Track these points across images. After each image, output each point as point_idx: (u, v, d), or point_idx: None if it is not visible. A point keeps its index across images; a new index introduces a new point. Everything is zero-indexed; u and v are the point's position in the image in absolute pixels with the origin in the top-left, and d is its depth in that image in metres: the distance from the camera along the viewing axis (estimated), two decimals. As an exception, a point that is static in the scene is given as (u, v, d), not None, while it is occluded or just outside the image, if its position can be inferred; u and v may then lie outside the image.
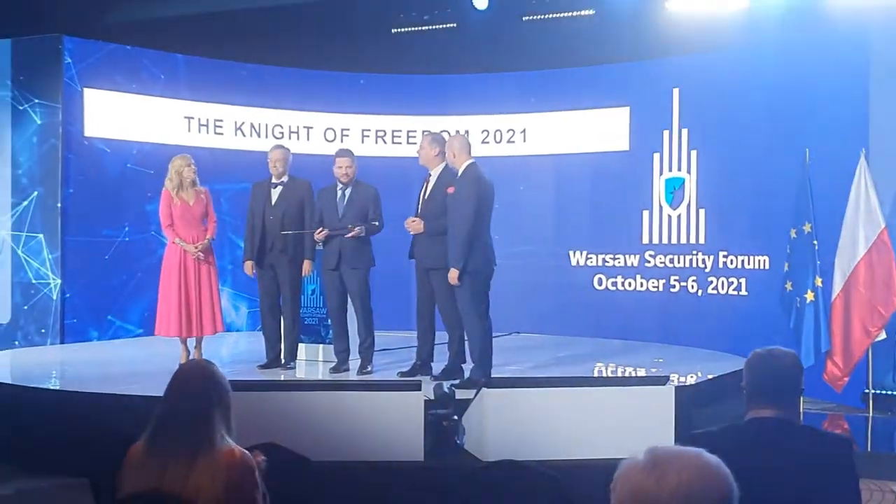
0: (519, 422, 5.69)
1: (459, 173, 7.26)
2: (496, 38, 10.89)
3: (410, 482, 5.53)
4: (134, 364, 8.59)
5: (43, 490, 6.32)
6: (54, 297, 10.18)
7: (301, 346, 8.36)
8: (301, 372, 8.09)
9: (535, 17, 10.56)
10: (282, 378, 7.59)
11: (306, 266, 8.06)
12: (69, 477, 6.35)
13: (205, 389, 3.16)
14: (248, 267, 8.19)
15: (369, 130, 11.70)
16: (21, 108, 10.32)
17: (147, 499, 2.96)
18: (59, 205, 10.19)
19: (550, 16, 10.49)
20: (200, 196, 8.04)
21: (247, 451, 3.19)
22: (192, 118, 11.08)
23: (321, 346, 8.54)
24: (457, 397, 6.20)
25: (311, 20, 10.95)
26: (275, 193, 8.11)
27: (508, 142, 11.47)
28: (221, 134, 11.23)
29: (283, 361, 8.08)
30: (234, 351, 9.73)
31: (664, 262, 10.53)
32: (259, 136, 11.34)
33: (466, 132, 10.68)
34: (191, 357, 8.06)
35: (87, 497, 5.84)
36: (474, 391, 6.03)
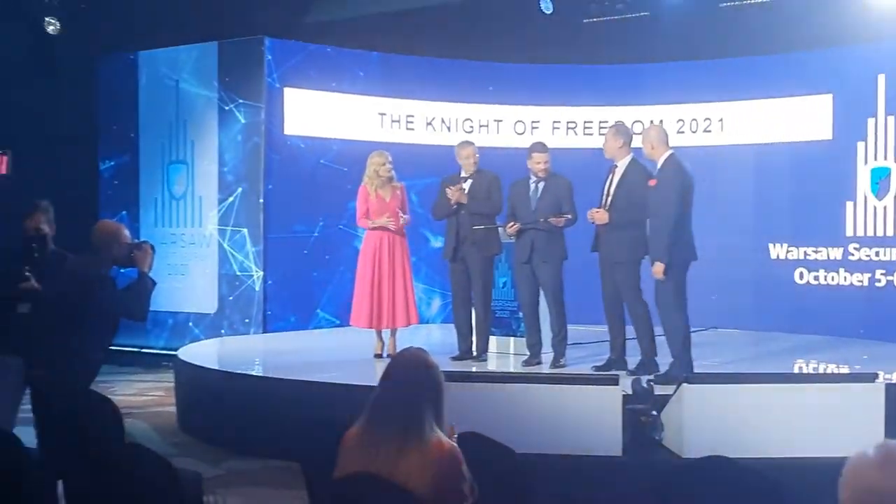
0: (720, 418, 5.53)
1: (660, 165, 7.11)
2: (691, 25, 10.63)
3: (609, 476, 5.47)
4: (332, 353, 8.86)
5: (253, 471, 6.60)
6: (257, 289, 10.62)
7: (492, 339, 8.40)
8: (493, 364, 8.13)
9: (732, 3, 10.24)
10: (473, 370, 7.64)
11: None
12: (275, 459, 6.61)
13: (420, 379, 3.20)
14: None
15: (559, 122, 11.64)
16: (227, 108, 10.81)
17: (360, 481, 3.04)
18: (260, 200, 10.62)
19: (749, 1, 10.15)
20: (396, 192, 8.19)
21: (455, 444, 3.22)
22: (385, 114, 11.31)
23: (512, 338, 8.56)
24: (655, 393, 6.09)
25: (502, 13, 10.98)
26: (465, 188, 8.16)
27: (705, 131, 11.18)
28: (413, 129, 11.42)
29: (474, 354, 8.13)
30: (427, 343, 9.87)
31: (869, 256, 10.02)
32: (449, 130, 11.47)
33: (661, 122, 10.46)
34: (385, 348, 8.24)
35: (293, 478, 6.03)
36: (674, 386, 5.90)
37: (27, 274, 5.84)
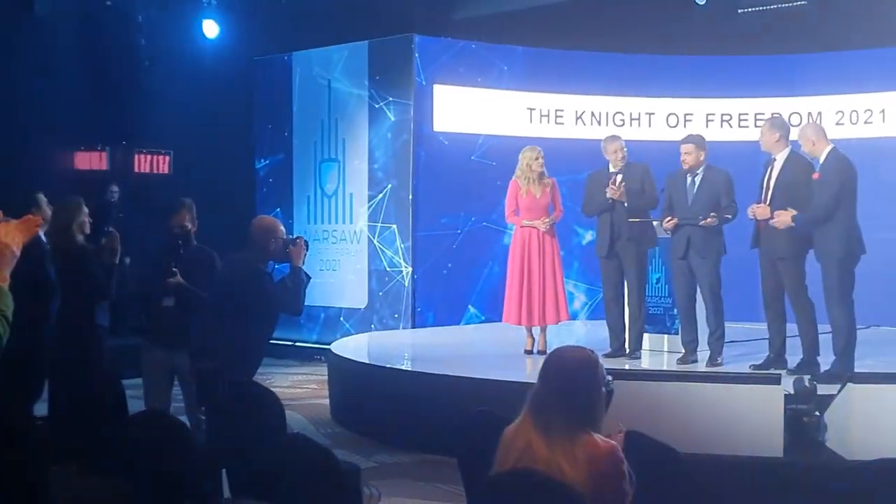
0: (891, 419, 5.28)
1: (822, 159, 6.86)
2: (849, 14, 10.20)
3: (769, 478, 5.29)
4: (481, 348, 8.89)
5: (405, 464, 6.67)
6: (406, 284, 10.73)
7: (645, 336, 8.25)
8: (646, 362, 7.98)
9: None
10: (626, 367, 7.52)
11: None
12: (427, 453, 6.66)
13: (582, 376, 3.15)
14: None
15: (714, 114, 11.34)
16: (377, 106, 10.96)
17: (521, 476, 3.01)
18: (410, 197, 10.72)
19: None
20: (546, 189, 8.12)
21: (616, 442, 3.15)
22: (534, 109, 11.25)
23: (666, 336, 8.37)
24: (818, 392, 5.86)
25: (654, 4, 10.77)
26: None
27: (866, 122, 10.71)
28: (562, 124, 11.33)
29: (627, 351, 8.01)
30: (577, 339, 9.78)
31: None
32: (599, 124, 11.32)
33: (819, 114, 10.08)
34: (535, 344, 8.20)
35: (446, 472, 6.07)
36: (838, 386, 5.66)
37: (173, 269, 6.03)
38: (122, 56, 11.56)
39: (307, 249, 5.84)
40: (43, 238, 5.95)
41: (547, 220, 8.07)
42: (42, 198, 6.98)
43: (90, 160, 11.75)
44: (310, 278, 5.87)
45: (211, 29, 11.83)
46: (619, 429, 3.25)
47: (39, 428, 4.49)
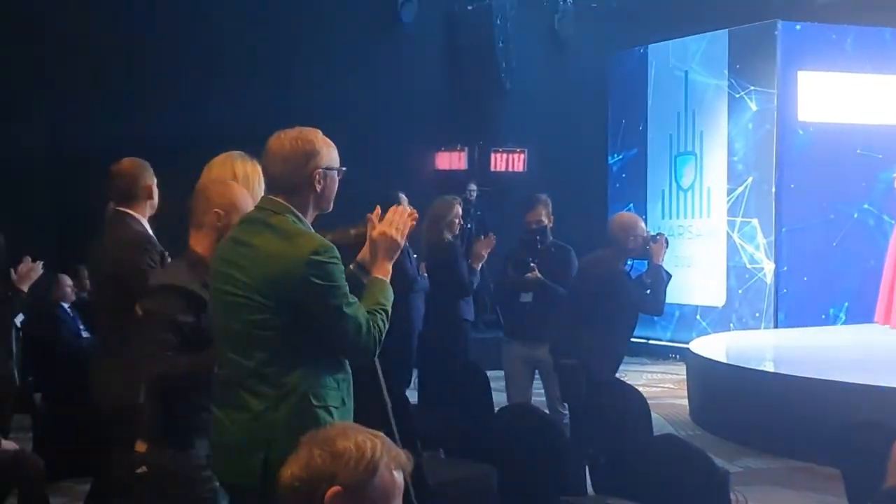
0: None
1: None
2: None
3: None
4: (854, 352, 8.30)
5: (771, 471, 6.36)
6: (768, 282, 10.25)
7: None
8: None
9: None
10: None
11: None
12: (795, 460, 6.31)
13: None
14: None
15: None
16: (737, 96, 10.56)
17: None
18: (772, 190, 10.23)
19: None
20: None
21: None
22: (911, 93, 10.37)
23: None
24: None
25: None
26: None
27: None
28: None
29: None
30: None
31: None
32: None
33: None
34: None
35: (816, 481, 5.73)
36: None
37: (531, 265, 6.06)
38: (481, 58, 11.94)
39: (667, 246, 5.70)
40: None
41: None
42: (403, 197, 7.32)
43: (450, 160, 12.24)
44: (670, 276, 5.74)
45: (568, 27, 11.95)
46: None
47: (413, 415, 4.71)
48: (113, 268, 3.90)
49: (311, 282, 2.68)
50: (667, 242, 5.70)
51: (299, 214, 2.81)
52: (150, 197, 4.07)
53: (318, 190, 2.82)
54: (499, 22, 11.89)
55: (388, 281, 2.88)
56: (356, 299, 2.77)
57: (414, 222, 3.00)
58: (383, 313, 2.80)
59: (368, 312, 2.77)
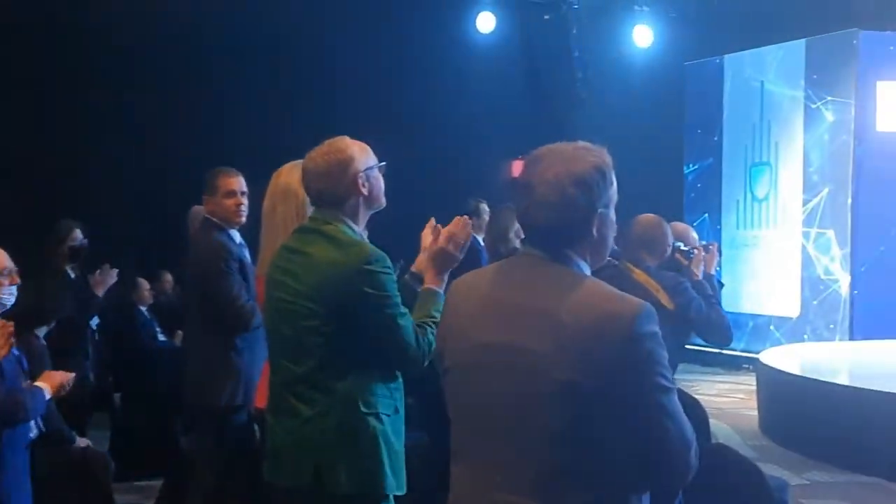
0: None
1: None
2: None
3: None
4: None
5: (838, 484, 6.32)
6: (843, 294, 10.13)
7: None
8: None
9: None
10: None
11: None
12: (863, 474, 6.26)
13: None
14: None
15: None
16: (813, 106, 10.46)
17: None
18: (849, 201, 10.11)
19: None
20: None
21: None
22: None
23: None
24: None
25: None
26: None
27: None
28: None
29: None
30: None
31: None
32: None
33: None
34: None
35: (882, 496, 5.69)
36: None
37: None
38: (558, 68, 12.02)
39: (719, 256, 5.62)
40: (481, 243, 6.33)
41: None
42: (484, 206, 7.42)
43: (526, 168, 12.29)
44: (722, 285, 5.68)
45: (644, 36, 11.96)
46: None
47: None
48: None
49: (362, 291, 2.70)
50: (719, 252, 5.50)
51: (351, 224, 2.85)
52: None
53: (366, 193, 2.86)
54: (575, 31, 11.95)
55: (441, 292, 2.88)
56: (407, 310, 2.79)
57: (467, 227, 2.96)
58: (434, 326, 2.76)
59: (419, 325, 2.79)
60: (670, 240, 4.57)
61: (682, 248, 4.72)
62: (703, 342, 5.20)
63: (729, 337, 4.57)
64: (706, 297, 4.52)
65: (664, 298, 4.13)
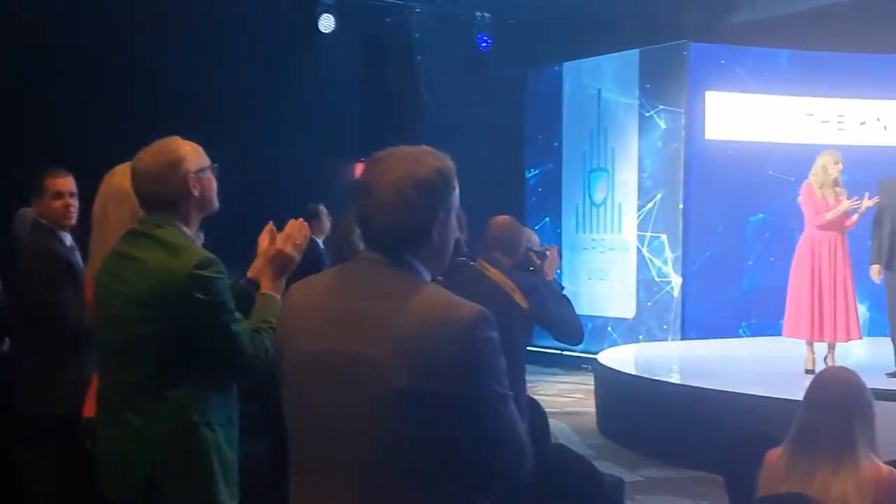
0: None
1: None
2: None
3: None
4: (756, 364, 8.56)
5: (671, 480, 6.54)
6: (675, 295, 10.52)
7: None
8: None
9: None
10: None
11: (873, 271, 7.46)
12: (694, 470, 6.49)
13: (845, 399, 2.99)
14: (875, 272, 7.68)
15: None
16: (647, 114, 10.83)
17: (791, 501, 2.89)
18: (680, 206, 10.51)
19: None
20: (840, 197, 7.61)
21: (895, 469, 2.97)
22: (813, 115, 10.73)
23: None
24: None
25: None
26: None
27: None
28: (843, 129, 10.72)
29: (918, 371, 7.45)
30: (858, 358, 9.21)
31: None
32: (886, 129, 10.63)
33: None
34: (824, 362, 7.73)
35: (713, 490, 5.90)
36: None
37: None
38: (401, 72, 12.03)
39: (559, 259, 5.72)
40: (321, 246, 6.27)
41: (858, 201, 7.54)
42: (323, 209, 7.36)
43: (369, 172, 12.26)
44: (563, 288, 5.78)
45: (485, 42, 12.12)
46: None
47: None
48: None
49: (194, 296, 2.63)
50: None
51: (183, 227, 2.77)
52: None
53: (197, 195, 2.77)
54: (417, 35, 12.00)
55: (278, 297, 2.81)
56: (242, 317, 2.73)
57: (306, 232, 2.94)
58: (271, 331, 2.67)
59: (255, 330, 2.73)
60: (524, 241, 4.63)
61: (536, 249, 4.77)
62: (548, 343, 5.28)
63: (581, 336, 4.63)
64: (558, 296, 4.59)
65: (519, 297, 4.19)
